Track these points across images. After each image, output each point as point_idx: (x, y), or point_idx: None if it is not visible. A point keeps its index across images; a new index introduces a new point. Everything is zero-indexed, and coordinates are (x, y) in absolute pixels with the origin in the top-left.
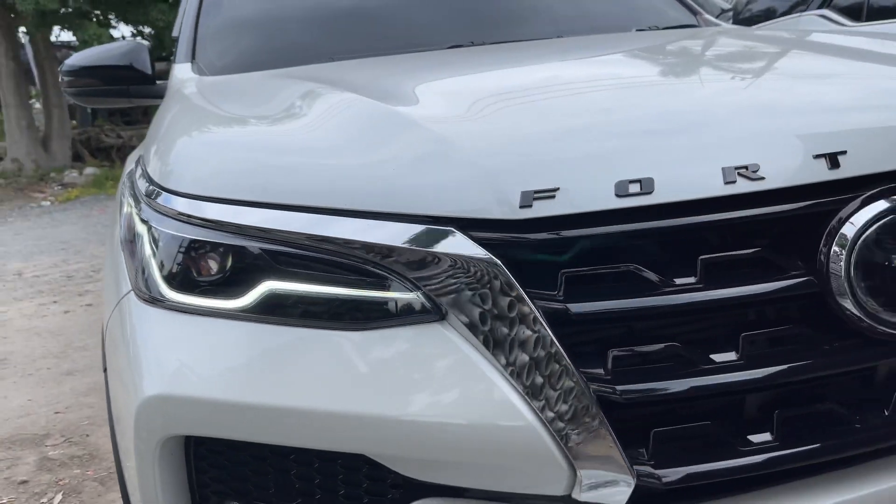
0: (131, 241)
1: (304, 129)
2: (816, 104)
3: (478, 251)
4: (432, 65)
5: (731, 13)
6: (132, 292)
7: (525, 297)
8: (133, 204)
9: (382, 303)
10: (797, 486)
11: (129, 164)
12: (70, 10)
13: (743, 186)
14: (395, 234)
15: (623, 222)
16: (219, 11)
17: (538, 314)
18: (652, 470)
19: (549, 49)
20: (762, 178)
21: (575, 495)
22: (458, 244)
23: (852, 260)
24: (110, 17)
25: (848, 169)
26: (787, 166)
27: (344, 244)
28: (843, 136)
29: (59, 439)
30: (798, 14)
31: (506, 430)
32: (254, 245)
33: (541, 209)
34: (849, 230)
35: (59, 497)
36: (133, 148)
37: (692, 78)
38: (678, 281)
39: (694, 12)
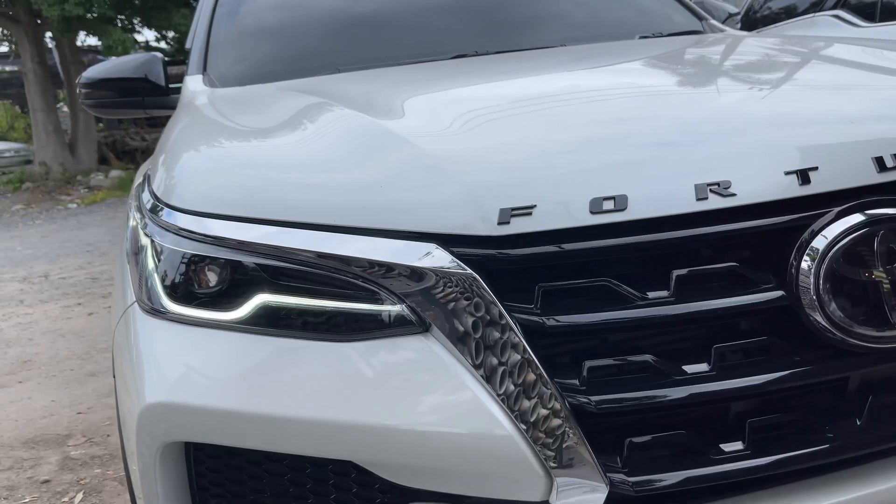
0: (136, 253)
1: (297, 145)
2: (790, 119)
3: (458, 266)
4: (432, 77)
5: (738, 17)
6: (136, 303)
7: (503, 310)
8: (138, 219)
9: (369, 315)
10: (770, 493)
11: (138, 177)
12: (95, 15)
13: (715, 203)
14: (381, 250)
15: (598, 238)
16: (229, 23)
17: (515, 327)
18: (625, 477)
19: (545, 60)
20: (734, 195)
21: (552, 501)
22: (439, 259)
23: (822, 272)
24: (135, 22)
25: (819, 185)
26: (759, 183)
27: (342, 261)
28: (815, 152)
29: (81, 439)
30: (812, 14)
31: (485, 439)
32: (248, 259)
33: (518, 226)
34: (820, 243)
35: (79, 496)
36: None
37: (671, 94)
38: (652, 295)
39: (699, 17)
